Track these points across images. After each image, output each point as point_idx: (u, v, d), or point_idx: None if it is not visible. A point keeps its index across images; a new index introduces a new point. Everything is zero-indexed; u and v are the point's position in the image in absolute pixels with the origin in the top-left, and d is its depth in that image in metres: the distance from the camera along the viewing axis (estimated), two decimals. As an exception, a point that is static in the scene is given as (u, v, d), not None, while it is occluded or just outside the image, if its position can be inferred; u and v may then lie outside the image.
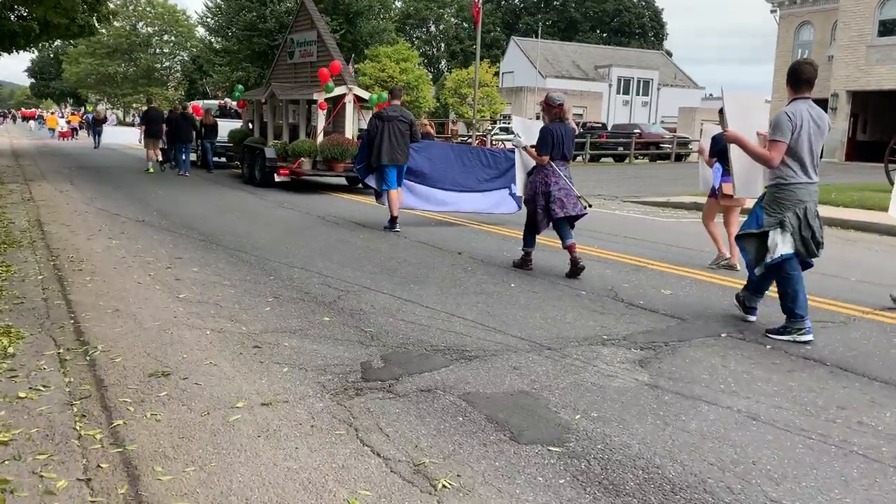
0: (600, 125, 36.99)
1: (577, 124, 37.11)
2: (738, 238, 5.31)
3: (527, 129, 8.03)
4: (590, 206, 7.49)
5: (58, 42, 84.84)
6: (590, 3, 76.60)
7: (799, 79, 4.96)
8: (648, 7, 78.84)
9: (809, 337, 4.88)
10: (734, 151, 5.35)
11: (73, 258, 7.25)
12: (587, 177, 23.64)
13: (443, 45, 75.49)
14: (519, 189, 8.20)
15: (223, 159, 21.27)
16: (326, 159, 14.36)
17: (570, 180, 7.10)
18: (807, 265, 5.17)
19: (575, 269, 6.86)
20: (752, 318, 5.39)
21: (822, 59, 33.47)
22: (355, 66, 35.56)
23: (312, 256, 7.70)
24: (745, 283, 5.50)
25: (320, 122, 14.94)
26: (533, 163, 7.30)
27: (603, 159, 33.73)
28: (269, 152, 15.25)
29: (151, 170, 18.44)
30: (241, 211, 11.62)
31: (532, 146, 7.25)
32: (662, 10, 79.33)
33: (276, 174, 14.88)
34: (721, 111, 5.66)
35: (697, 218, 10.17)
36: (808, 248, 4.95)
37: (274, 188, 15.09)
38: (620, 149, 32.88)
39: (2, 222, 9.38)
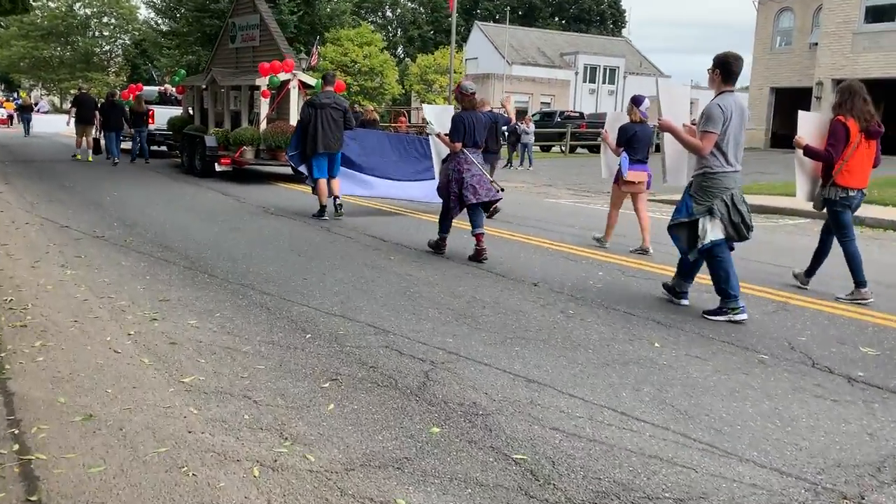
0: (578, 114, 35.46)
1: (556, 114, 35.61)
2: (670, 228, 5.48)
3: (438, 116, 8.27)
4: (502, 190, 7.54)
5: (-14, 23, 79.54)
6: (550, -11, 75.16)
7: (731, 71, 5.15)
8: (608, -6, 77.80)
9: (744, 316, 5.14)
10: (666, 140, 5.61)
11: (12, 304, 5.17)
12: (568, 169, 22.14)
13: (399, 30, 73.08)
14: (436, 173, 8.30)
15: (163, 147, 20.18)
16: (270, 148, 13.76)
17: (484, 167, 7.38)
18: (730, 249, 5.34)
19: (478, 257, 7.13)
20: (685, 303, 5.61)
21: (804, 46, 32.61)
22: (320, 49, 33.18)
23: (348, 293, 5.76)
24: (675, 270, 5.73)
25: (263, 109, 14.21)
26: (447, 150, 7.43)
27: (579, 150, 32.30)
28: (210, 141, 14.53)
29: (79, 156, 17.76)
30: (218, 216, 9.53)
31: (445, 133, 7.34)
32: (621, -3, 78.39)
33: (217, 163, 14.20)
34: (656, 100, 5.74)
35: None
36: (738, 232, 5.20)
37: (227, 180, 14.11)
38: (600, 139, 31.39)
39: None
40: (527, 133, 22.88)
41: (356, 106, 25.27)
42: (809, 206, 6.39)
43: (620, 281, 6.52)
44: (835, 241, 6.10)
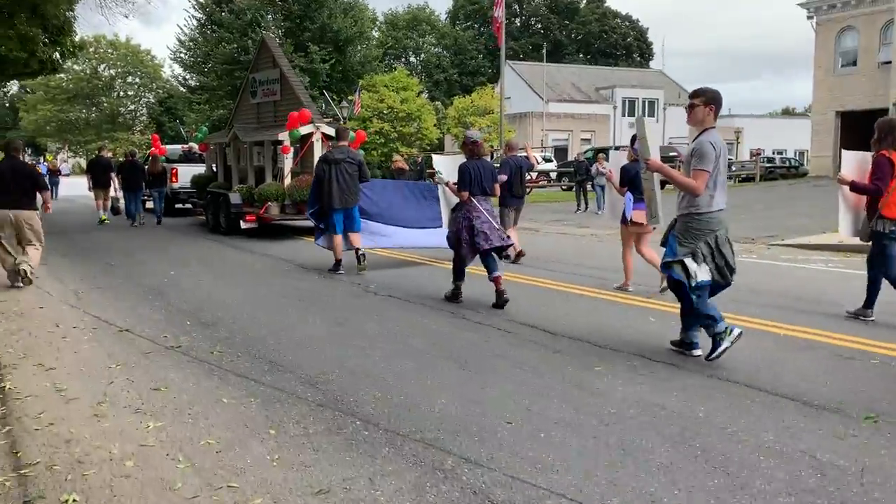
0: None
1: (608, 150, 33.63)
2: (664, 266, 5.33)
3: (447, 166, 8.68)
4: (508, 237, 7.79)
5: (14, 90, 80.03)
6: (574, 25, 74.19)
7: (720, 107, 5.08)
8: (633, 27, 76.68)
9: (740, 330, 5.08)
10: (655, 179, 5.51)
11: (78, 511, 3.14)
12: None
13: (424, 75, 72.16)
14: (445, 221, 8.61)
15: (188, 206, 19.80)
16: (295, 202, 13.37)
17: (492, 213, 7.40)
18: (724, 286, 5.23)
19: (500, 301, 7.04)
20: (697, 353, 5.27)
21: (872, 66, 30.53)
22: (360, 96, 31.69)
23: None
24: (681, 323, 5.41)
25: (287, 163, 13.85)
26: (456, 199, 7.53)
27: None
28: (234, 198, 14.32)
29: (104, 217, 17.55)
30: (299, 296, 7.50)
31: (454, 183, 7.48)
32: (647, 29, 77.25)
33: (242, 221, 14.10)
34: (640, 139, 5.53)
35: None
36: (722, 276, 5.11)
37: (259, 238, 13.86)
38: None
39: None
40: (602, 173, 20.86)
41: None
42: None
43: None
44: None
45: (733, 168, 35.67)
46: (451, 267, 7.61)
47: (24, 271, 8.49)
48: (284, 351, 5.69)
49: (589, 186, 22.17)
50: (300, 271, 9.86)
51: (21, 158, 9.01)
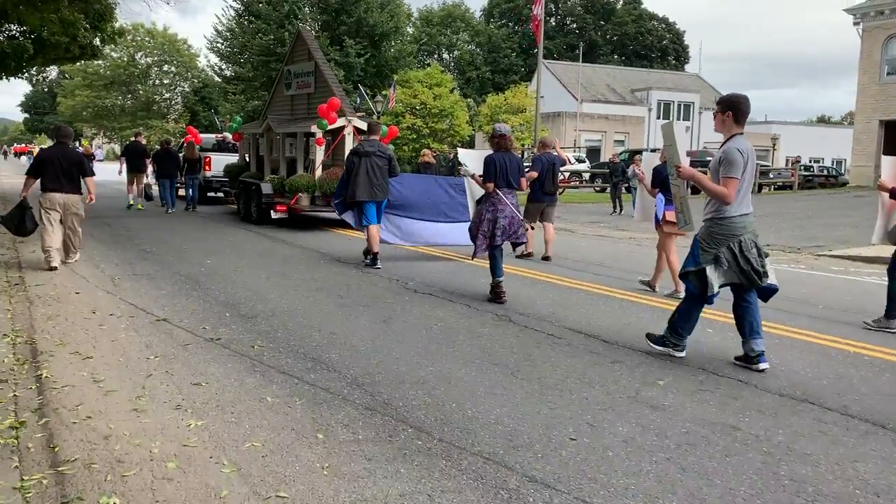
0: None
1: (642, 152, 33.11)
2: (681, 276, 5.35)
3: (473, 159, 8.80)
4: (532, 228, 8.56)
5: (53, 75, 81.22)
6: (609, 26, 73.40)
7: (742, 112, 4.97)
8: (670, 30, 75.66)
9: (683, 355, 5.21)
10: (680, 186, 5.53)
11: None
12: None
13: (456, 71, 71.79)
14: (472, 215, 8.48)
15: (219, 195, 19.97)
16: (325, 194, 13.27)
17: (517, 207, 7.36)
18: (771, 290, 5.17)
19: (497, 298, 7.17)
20: (764, 366, 5.03)
21: (921, 74, 29.63)
22: (395, 91, 31.49)
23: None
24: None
25: (319, 155, 13.92)
26: (481, 191, 7.56)
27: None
28: (266, 188, 14.38)
29: (132, 202, 17.50)
30: (336, 289, 7.27)
31: (479, 175, 7.51)
32: (684, 32, 76.17)
33: (272, 211, 13.93)
34: (668, 146, 5.55)
35: None
36: (749, 279, 4.99)
37: (288, 228, 13.88)
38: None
39: (-36, 358, 5.06)
40: (636, 175, 20.43)
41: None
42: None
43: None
44: None
45: (771, 175, 34.93)
46: (486, 265, 7.59)
47: (70, 245, 8.95)
48: (327, 348, 5.47)
49: (625, 189, 21.77)
50: (336, 264, 9.65)
51: (70, 145, 9.26)
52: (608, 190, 26.04)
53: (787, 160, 44.80)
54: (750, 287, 5.08)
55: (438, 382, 4.69)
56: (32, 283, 7.84)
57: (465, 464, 3.48)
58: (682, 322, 5.21)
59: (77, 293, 7.38)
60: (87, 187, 9.20)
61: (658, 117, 48.86)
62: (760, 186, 31.65)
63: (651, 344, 5.34)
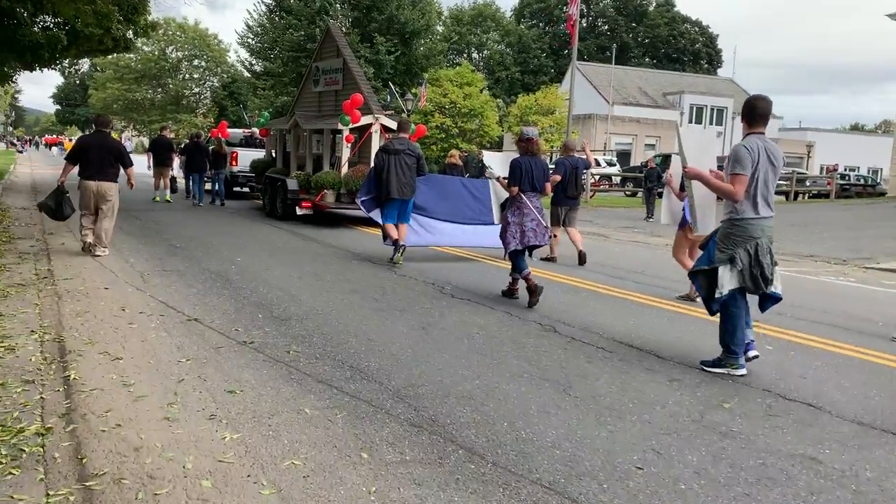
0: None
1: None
2: (691, 274, 5.32)
3: (499, 162, 9.15)
4: (555, 236, 8.87)
5: (85, 68, 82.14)
6: (641, 29, 72.57)
7: (755, 114, 4.94)
8: (703, 33, 74.62)
9: (743, 371, 4.96)
10: (694, 188, 5.44)
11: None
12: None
13: (485, 71, 71.43)
14: (496, 217, 9.26)
15: (245, 189, 20.18)
16: (350, 192, 13.19)
17: (540, 212, 7.33)
18: (775, 299, 5.08)
19: (511, 295, 7.40)
20: (753, 353, 5.13)
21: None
22: (426, 89, 31.26)
23: None
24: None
25: (345, 152, 13.83)
26: (506, 194, 7.73)
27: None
28: (292, 184, 14.28)
29: (157, 198, 17.35)
30: (370, 291, 6.99)
31: (504, 178, 7.67)
32: (717, 35, 75.08)
33: (298, 207, 13.92)
34: (680, 149, 5.56)
35: None
36: (755, 284, 4.92)
37: (313, 224, 13.86)
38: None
39: (-9, 355, 4.85)
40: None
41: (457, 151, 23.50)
42: None
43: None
44: None
45: (807, 183, 34.17)
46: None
47: (88, 244, 8.94)
48: (366, 355, 5.19)
49: (658, 194, 21.31)
50: (369, 265, 9.39)
51: (109, 133, 9.46)
52: (640, 194, 25.58)
53: (822, 168, 43.91)
54: (753, 292, 5.01)
55: (486, 398, 4.39)
56: (61, 276, 7.67)
57: (524, 493, 3.18)
58: (731, 338, 5.02)
59: (106, 288, 7.19)
60: (128, 177, 9.53)
61: (690, 121, 48.11)
62: (797, 194, 30.96)
63: (708, 369, 5.07)
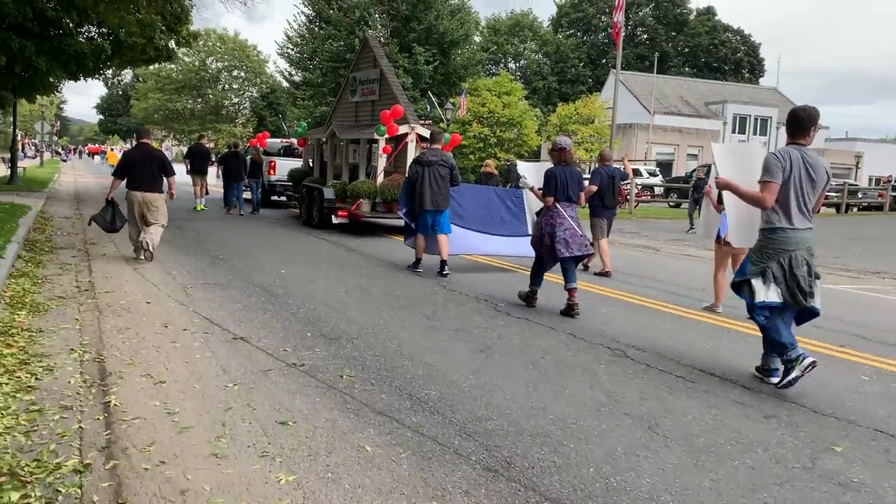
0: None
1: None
2: (733, 285, 5.18)
3: (532, 172, 8.57)
4: (592, 244, 8.43)
5: (127, 79, 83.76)
6: (682, 38, 71.50)
7: (794, 125, 4.88)
8: (745, 42, 73.24)
9: (811, 358, 4.74)
10: (728, 200, 5.42)
11: None
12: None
13: (522, 81, 70.99)
14: (529, 228, 9.26)
15: (282, 198, 20.33)
16: (386, 201, 13.35)
17: (576, 221, 7.26)
18: (812, 313, 4.91)
19: (570, 311, 6.98)
20: (774, 380, 4.92)
21: None
22: (467, 98, 30.96)
23: None
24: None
25: (381, 162, 13.83)
26: (540, 204, 7.59)
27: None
28: (328, 193, 14.31)
29: (199, 207, 17.39)
30: (419, 306, 6.57)
31: (539, 188, 7.53)
32: (760, 44, 73.60)
33: (334, 216, 13.95)
34: (714, 161, 5.64)
35: None
36: (794, 298, 4.76)
37: (347, 233, 13.90)
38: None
39: (26, 371, 4.53)
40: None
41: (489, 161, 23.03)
42: None
43: None
44: None
45: (859, 195, 33.03)
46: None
47: (146, 243, 9.03)
48: (424, 382, 4.78)
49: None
50: (415, 279, 8.99)
51: (151, 144, 9.69)
52: (686, 206, 24.86)
53: (872, 179, 42.53)
54: (794, 306, 4.84)
55: (564, 435, 3.94)
56: (102, 288, 7.42)
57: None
58: (778, 345, 4.85)
59: (148, 302, 6.91)
60: (169, 186, 9.75)
61: (733, 132, 47.08)
62: (847, 206, 29.91)
63: (783, 386, 4.82)
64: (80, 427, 3.81)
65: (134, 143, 9.52)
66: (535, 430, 4.01)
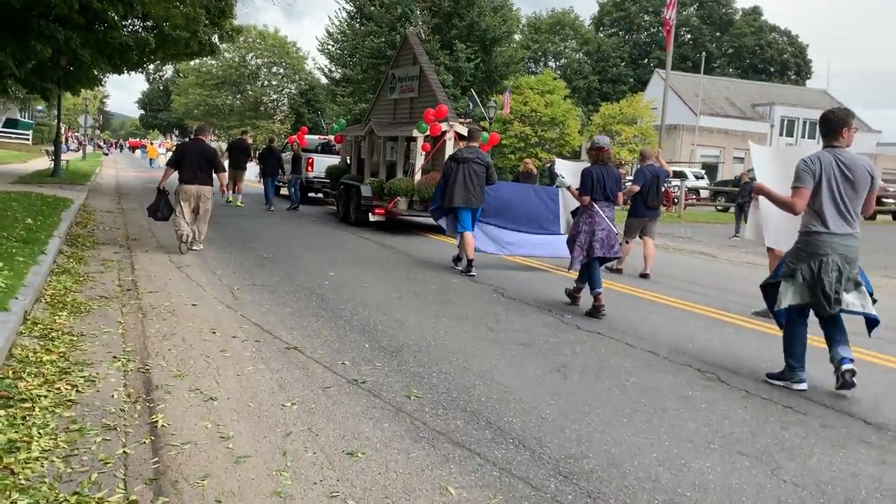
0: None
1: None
2: (761, 287, 5.18)
3: (570, 170, 8.81)
4: (628, 242, 9.16)
5: (168, 74, 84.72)
6: (727, 38, 69.94)
7: (825, 128, 4.85)
8: (792, 43, 71.37)
9: (803, 386, 4.85)
10: (764, 204, 5.72)
11: None
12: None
13: (563, 80, 69.99)
14: (563, 227, 9.68)
15: (320, 195, 20.22)
16: (423, 199, 13.12)
17: (613, 221, 7.22)
18: (871, 320, 4.85)
19: (596, 313, 6.88)
20: (846, 367, 4.73)
21: None
22: (511, 96, 30.39)
23: None
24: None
25: (419, 160, 13.75)
26: (576, 203, 7.69)
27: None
28: (366, 190, 14.17)
29: (230, 199, 17.34)
30: (484, 318, 6.05)
31: (576, 187, 7.43)
32: (807, 45, 71.66)
33: (371, 213, 13.85)
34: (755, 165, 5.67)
35: None
36: (818, 303, 4.72)
37: (384, 231, 13.72)
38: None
39: (66, 382, 4.13)
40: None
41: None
42: None
43: None
44: None
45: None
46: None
47: (196, 234, 9.51)
48: (501, 406, 4.27)
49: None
50: (468, 283, 8.48)
51: (207, 141, 10.04)
52: (732, 209, 23.99)
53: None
54: (818, 311, 4.80)
55: (674, 479, 3.40)
56: (145, 288, 7.05)
57: None
58: (787, 353, 4.92)
59: (194, 305, 6.51)
60: (219, 180, 10.19)
61: (781, 134, 45.73)
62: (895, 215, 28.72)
63: (771, 381, 5.00)
64: (125, 452, 3.38)
65: (189, 137, 9.70)
66: (640, 470, 3.48)
